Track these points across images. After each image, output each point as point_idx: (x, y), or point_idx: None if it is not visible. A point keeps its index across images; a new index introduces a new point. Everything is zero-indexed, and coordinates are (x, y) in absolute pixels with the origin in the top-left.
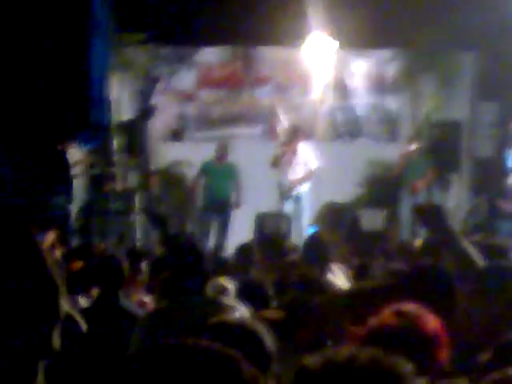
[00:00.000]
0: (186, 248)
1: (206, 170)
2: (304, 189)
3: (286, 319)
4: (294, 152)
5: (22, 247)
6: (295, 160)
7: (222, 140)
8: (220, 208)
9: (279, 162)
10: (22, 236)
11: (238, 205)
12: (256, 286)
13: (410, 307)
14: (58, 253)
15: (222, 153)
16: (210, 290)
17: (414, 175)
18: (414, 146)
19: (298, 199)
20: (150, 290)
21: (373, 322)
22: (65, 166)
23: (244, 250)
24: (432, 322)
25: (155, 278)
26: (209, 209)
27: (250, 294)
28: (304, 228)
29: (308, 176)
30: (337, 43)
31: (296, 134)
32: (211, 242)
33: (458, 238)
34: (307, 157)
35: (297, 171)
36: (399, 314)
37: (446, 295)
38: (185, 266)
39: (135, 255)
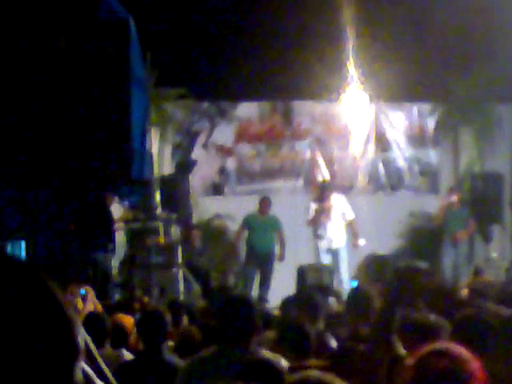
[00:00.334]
0: (238, 300)
1: (249, 222)
2: (342, 243)
3: (331, 367)
4: (329, 208)
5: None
6: (331, 214)
7: (262, 193)
8: (263, 261)
9: (316, 222)
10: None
11: (281, 257)
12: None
13: (449, 346)
14: (99, 307)
15: (265, 206)
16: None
17: (456, 226)
18: (454, 197)
19: (335, 253)
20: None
21: (413, 362)
22: (107, 220)
23: (288, 303)
24: (473, 361)
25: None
26: (252, 262)
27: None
28: (344, 281)
29: (353, 227)
30: (375, 96)
31: (326, 189)
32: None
33: None
34: (344, 208)
35: (335, 224)
36: (441, 353)
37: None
38: (235, 316)
39: (177, 308)
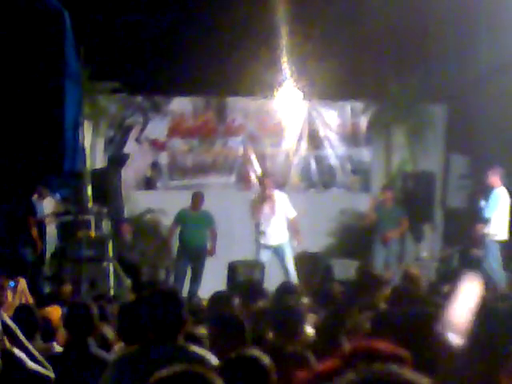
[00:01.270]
0: (167, 295)
1: (182, 218)
2: (284, 239)
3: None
4: (272, 200)
5: None
6: (274, 209)
7: (194, 188)
8: (195, 256)
9: (257, 212)
10: None
11: (212, 252)
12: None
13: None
14: (30, 299)
15: (197, 201)
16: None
17: (388, 225)
18: (387, 195)
19: (280, 249)
20: (118, 336)
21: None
22: (33, 214)
23: (219, 298)
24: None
25: (125, 324)
26: (184, 257)
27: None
28: (292, 276)
29: (295, 225)
30: (308, 94)
31: (265, 181)
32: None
33: None
34: (285, 205)
35: (277, 220)
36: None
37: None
38: (165, 313)
39: (106, 302)
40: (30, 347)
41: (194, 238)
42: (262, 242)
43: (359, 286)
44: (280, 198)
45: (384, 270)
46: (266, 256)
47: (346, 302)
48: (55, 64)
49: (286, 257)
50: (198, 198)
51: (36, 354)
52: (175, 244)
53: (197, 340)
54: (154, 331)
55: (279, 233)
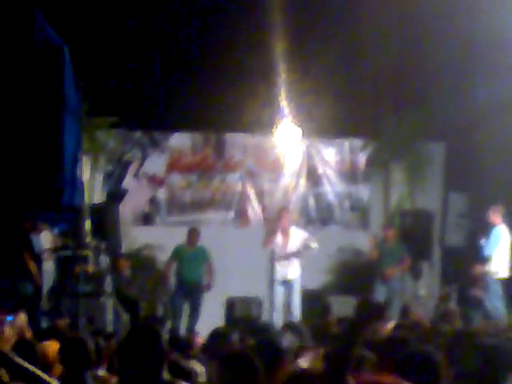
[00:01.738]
0: (143, 329)
1: (178, 254)
2: (296, 274)
3: None
4: (285, 233)
5: None
6: (288, 242)
7: (192, 224)
8: (192, 292)
9: (269, 241)
10: None
11: (209, 288)
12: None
13: (387, 379)
14: (29, 334)
15: (194, 237)
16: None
17: (389, 263)
18: (389, 233)
19: (290, 284)
20: (111, 371)
21: None
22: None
23: (218, 334)
24: None
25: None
26: (181, 293)
27: None
28: (294, 315)
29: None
30: (307, 131)
31: (281, 212)
32: (183, 325)
33: None
34: (302, 240)
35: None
36: None
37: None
38: (142, 346)
39: (104, 337)
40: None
41: (190, 273)
42: (276, 276)
43: (361, 317)
44: (296, 233)
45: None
46: (280, 291)
47: (347, 337)
48: (55, 98)
49: (293, 293)
50: (194, 234)
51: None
52: (172, 280)
53: (187, 374)
54: (137, 367)
55: (291, 267)
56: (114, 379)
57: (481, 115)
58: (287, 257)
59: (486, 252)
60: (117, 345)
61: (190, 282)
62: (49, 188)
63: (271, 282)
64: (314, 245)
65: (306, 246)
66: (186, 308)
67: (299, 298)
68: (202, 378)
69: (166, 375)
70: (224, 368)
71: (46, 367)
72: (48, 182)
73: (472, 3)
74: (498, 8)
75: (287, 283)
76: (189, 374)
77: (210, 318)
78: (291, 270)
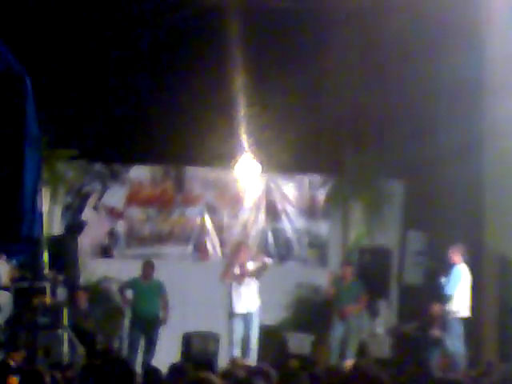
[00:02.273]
0: (118, 363)
1: (133, 286)
2: (254, 307)
3: None
4: (243, 267)
5: None
6: (246, 275)
7: (151, 258)
8: (148, 326)
9: (227, 275)
10: None
11: (164, 321)
12: None
13: None
14: None
15: (148, 270)
16: None
17: (346, 300)
18: (346, 271)
19: (248, 318)
20: None
21: None
22: None
23: (175, 370)
24: None
25: None
26: (137, 326)
27: None
28: (251, 350)
29: (263, 267)
30: (266, 166)
31: (240, 247)
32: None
33: None
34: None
35: (249, 286)
36: None
37: None
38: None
39: (61, 370)
40: None
41: (146, 307)
42: (235, 310)
43: None
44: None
45: (340, 346)
46: (239, 325)
47: None
48: (16, 128)
49: (252, 327)
50: (148, 267)
51: None
52: (127, 313)
53: None
54: None
55: (249, 301)
56: None
57: (440, 156)
58: (244, 275)
59: (447, 291)
60: (76, 376)
61: (146, 315)
62: (8, 219)
63: (230, 316)
64: (269, 261)
65: (262, 265)
66: (141, 342)
67: (257, 333)
68: None
69: None
70: None
71: None
72: (7, 213)
73: (436, 43)
74: (464, 48)
75: (246, 317)
76: None
77: (166, 354)
78: (250, 303)
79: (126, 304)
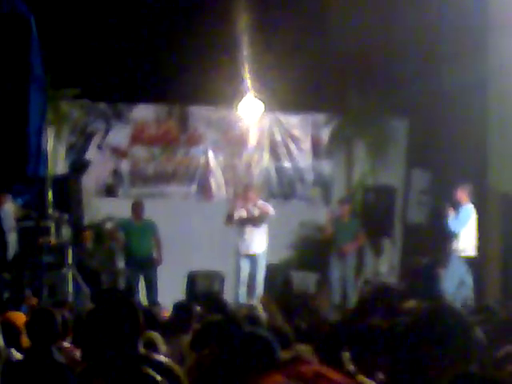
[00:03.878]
0: (120, 302)
1: (125, 228)
2: (261, 249)
3: None
4: (248, 211)
5: None
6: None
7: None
8: (144, 266)
9: (232, 219)
10: None
11: (159, 262)
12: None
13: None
14: None
15: (138, 210)
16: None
17: (344, 238)
18: (344, 208)
19: (254, 258)
20: (76, 343)
21: None
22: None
23: (181, 308)
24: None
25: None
26: (131, 266)
27: None
28: (258, 287)
29: (264, 216)
30: (270, 105)
31: (247, 190)
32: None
33: None
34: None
35: (258, 230)
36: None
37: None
38: (119, 320)
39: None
40: None
41: (139, 248)
42: (242, 251)
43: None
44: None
45: (341, 284)
46: (245, 266)
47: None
48: (21, 68)
49: (258, 268)
50: (138, 208)
51: None
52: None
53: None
54: (112, 341)
55: (256, 242)
56: (79, 351)
57: (445, 95)
58: (245, 222)
59: (455, 230)
60: (84, 316)
61: (140, 256)
62: (13, 158)
63: (236, 256)
64: (271, 210)
65: (263, 214)
66: (141, 282)
67: (263, 274)
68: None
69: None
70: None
71: (12, 337)
72: (13, 152)
73: None
74: None
75: (252, 258)
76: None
77: (171, 292)
78: (257, 244)
79: (120, 244)
